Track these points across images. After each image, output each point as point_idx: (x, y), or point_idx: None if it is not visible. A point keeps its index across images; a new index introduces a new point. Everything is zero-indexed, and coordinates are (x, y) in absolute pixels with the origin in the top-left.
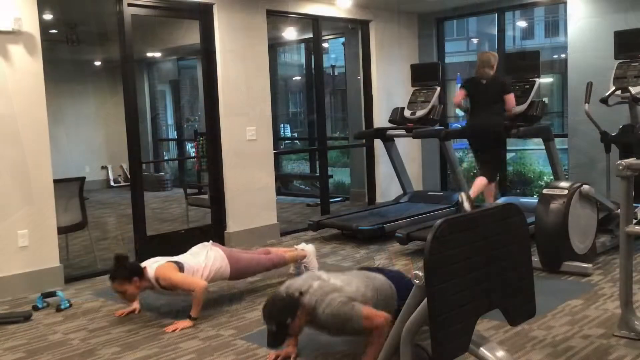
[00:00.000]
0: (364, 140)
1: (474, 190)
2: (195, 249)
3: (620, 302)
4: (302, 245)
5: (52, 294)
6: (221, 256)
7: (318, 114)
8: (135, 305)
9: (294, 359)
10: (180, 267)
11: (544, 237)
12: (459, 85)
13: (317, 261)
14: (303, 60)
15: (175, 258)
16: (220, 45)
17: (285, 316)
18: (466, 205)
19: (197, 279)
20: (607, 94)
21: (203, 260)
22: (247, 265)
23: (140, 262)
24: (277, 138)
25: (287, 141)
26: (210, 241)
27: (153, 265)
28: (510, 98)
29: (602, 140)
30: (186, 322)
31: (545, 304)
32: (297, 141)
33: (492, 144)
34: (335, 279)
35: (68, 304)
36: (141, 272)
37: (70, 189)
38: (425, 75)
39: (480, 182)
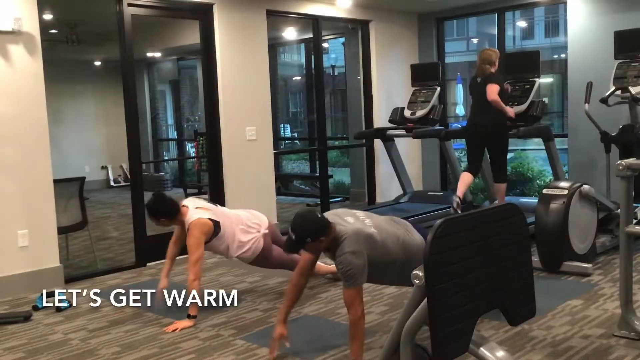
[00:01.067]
0: (364, 140)
1: (460, 189)
2: (256, 218)
3: (620, 302)
4: None
5: (52, 294)
6: (257, 245)
7: (318, 114)
8: (162, 284)
9: (284, 337)
10: (216, 230)
11: (544, 237)
12: (461, 83)
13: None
14: (303, 60)
15: (229, 212)
16: (220, 45)
17: (307, 234)
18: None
19: (196, 270)
20: (607, 94)
21: (249, 240)
22: (273, 259)
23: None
24: (277, 138)
25: (287, 141)
26: (273, 224)
27: (194, 212)
28: (490, 87)
29: (602, 140)
30: (186, 322)
31: (545, 304)
32: (297, 141)
33: (493, 142)
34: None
35: (68, 304)
36: (172, 215)
37: (70, 188)
38: (425, 75)
39: (465, 178)
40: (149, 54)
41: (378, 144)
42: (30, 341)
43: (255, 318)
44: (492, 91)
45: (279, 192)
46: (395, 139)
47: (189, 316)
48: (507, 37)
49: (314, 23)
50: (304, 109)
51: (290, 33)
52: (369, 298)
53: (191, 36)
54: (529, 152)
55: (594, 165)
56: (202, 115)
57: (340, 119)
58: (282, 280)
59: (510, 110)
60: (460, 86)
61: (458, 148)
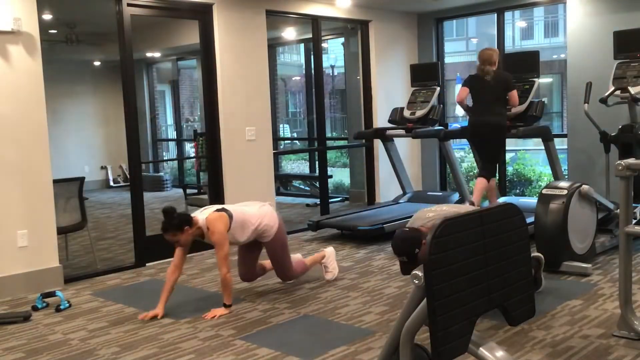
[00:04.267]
0: (364, 141)
1: (475, 195)
2: (248, 202)
3: (620, 302)
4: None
5: (52, 294)
6: (272, 213)
7: (318, 114)
8: (159, 310)
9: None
10: (230, 215)
11: (543, 237)
12: (461, 83)
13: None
14: (303, 61)
15: (226, 206)
16: (220, 45)
17: (412, 247)
18: None
19: (228, 263)
20: (606, 94)
21: (256, 210)
22: (286, 251)
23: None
24: (276, 138)
25: (286, 141)
26: (268, 202)
27: (204, 213)
28: (514, 94)
29: (602, 140)
30: (222, 310)
31: (545, 304)
32: (297, 141)
33: (494, 141)
34: (448, 208)
35: (67, 304)
36: (190, 221)
37: (69, 189)
38: (425, 75)
39: (480, 184)
40: (149, 54)
41: (378, 144)
42: (29, 341)
43: (254, 318)
44: (517, 98)
45: (278, 192)
46: (394, 139)
47: (225, 305)
48: (507, 37)
49: (314, 23)
50: (304, 109)
51: (289, 33)
52: (369, 298)
53: (191, 36)
54: (526, 152)
55: (594, 165)
56: (201, 115)
57: (340, 119)
58: (281, 280)
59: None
60: (459, 86)
61: (458, 148)
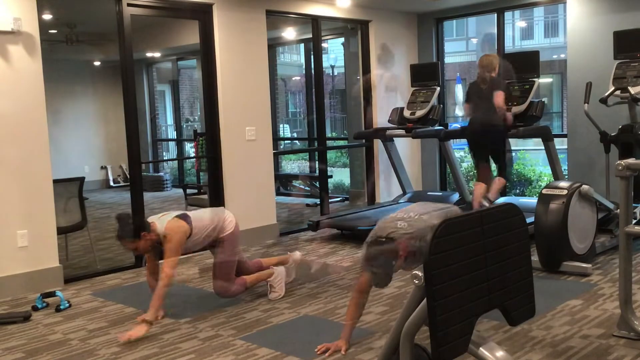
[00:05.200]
0: (364, 140)
1: (475, 202)
2: (203, 209)
3: (620, 302)
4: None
5: (52, 294)
6: (230, 215)
7: (318, 114)
8: (159, 312)
9: (345, 351)
10: (188, 220)
11: (543, 237)
12: (460, 84)
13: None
14: (303, 61)
15: (185, 212)
16: (219, 45)
17: (390, 260)
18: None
19: (170, 262)
20: (606, 94)
21: (211, 212)
22: (235, 255)
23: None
24: (276, 138)
25: (286, 141)
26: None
27: (162, 219)
28: (498, 95)
29: (602, 141)
30: (141, 329)
31: (545, 304)
32: (297, 141)
33: (493, 143)
34: (415, 215)
35: (67, 304)
36: (147, 227)
37: (69, 189)
38: (425, 75)
39: (480, 189)
40: (149, 54)
41: (377, 144)
42: (29, 341)
43: (255, 318)
44: (501, 99)
45: (278, 192)
46: (394, 139)
47: (145, 321)
48: (507, 37)
49: (314, 23)
50: (304, 109)
51: (289, 33)
52: (369, 298)
53: (191, 36)
54: (525, 153)
55: (594, 165)
56: (201, 115)
57: (340, 119)
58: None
59: (510, 118)
60: (459, 86)
61: (458, 148)
